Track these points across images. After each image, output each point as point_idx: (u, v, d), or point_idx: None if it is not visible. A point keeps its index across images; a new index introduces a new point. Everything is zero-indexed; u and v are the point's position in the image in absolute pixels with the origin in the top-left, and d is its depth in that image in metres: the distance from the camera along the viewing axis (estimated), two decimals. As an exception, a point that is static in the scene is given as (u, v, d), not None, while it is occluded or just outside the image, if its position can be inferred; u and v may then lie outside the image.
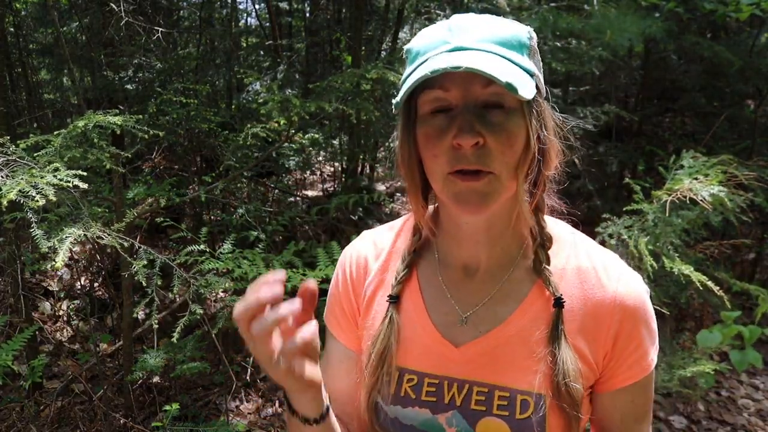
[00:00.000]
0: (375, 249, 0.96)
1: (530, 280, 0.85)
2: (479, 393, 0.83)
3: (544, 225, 0.86)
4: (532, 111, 0.76)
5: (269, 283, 0.65)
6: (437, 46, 0.76)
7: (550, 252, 0.86)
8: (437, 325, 0.87)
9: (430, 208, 0.92)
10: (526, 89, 0.71)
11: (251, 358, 3.03)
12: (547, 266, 0.84)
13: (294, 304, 0.66)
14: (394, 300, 0.89)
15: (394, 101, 0.76)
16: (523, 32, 0.78)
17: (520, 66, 0.75)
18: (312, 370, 0.73)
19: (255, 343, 0.66)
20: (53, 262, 1.36)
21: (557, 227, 0.90)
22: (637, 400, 0.87)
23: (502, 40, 0.76)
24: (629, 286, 0.84)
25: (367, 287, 0.94)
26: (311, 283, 0.70)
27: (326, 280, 2.26)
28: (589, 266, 0.85)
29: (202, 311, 1.73)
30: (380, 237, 0.98)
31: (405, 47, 0.83)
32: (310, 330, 0.68)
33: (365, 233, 1.00)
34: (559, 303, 0.82)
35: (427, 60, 0.75)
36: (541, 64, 0.83)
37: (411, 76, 0.75)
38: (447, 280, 0.89)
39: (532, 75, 0.77)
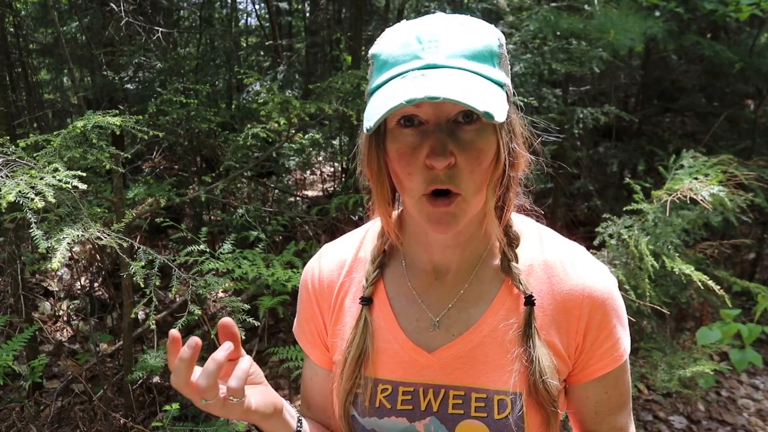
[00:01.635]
0: (337, 261, 0.95)
1: (499, 279, 0.85)
2: (456, 397, 0.82)
3: (511, 224, 0.86)
4: (503, 124, 0.76)
5: (184, 346, 0.69)
6: (407, 60, 0.73)
7: (517, 249, 0.86)
8: (408, 332, 0.86)
9: (395, 213, 0.89)
10: (501, 110, 0.69)
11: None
12: (515, 264, 0.84)
13: (226, 346, 0.71)
14: (367, 302, 0.88)
15: (366, 125, 0.71)
16: (494, 40, 0.76)
17: (492, 80, 0.73)
18: (264, 397, 0.78)
19: (207, 397, 0.69)
20: (51, 263, 1.36)
21: (522, 224, 0.90)
22: (611, 391, 0.88)
23: (474, 54, 0.73)
24: (597, 277, 0.84)
25: (333, 300, 0.93)
26: (226, 320, 0.74)
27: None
28: (556, 260, 0.85)
29: (200, 312, 1.72)
30: (341, 249, 0.97)
31: (370, 51, 0.79)
32: (244, 363, 0.72)
33: (324, 248, 0.99)
34: (530, 301, 0.82)
35: (398, 75, 0.73)
36: (509, 66, 0.82)
37: (381, 90, 0.73)
38: (416, 285, 0.88)
39: (502, 86, 0.75)
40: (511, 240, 0.85)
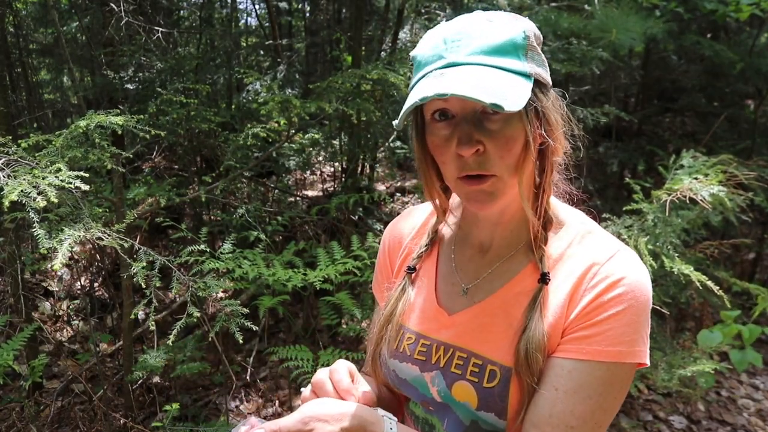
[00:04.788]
0: (411, 224, 1.07)
1: (528, 259, 0.89)
2: (459, 358, 0.89)
3: (548, 208, 0.89)
4: (530, 113, 0.79)
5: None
6: (433, 61, 0.79)
7: (555, 236, 0.88)
8: (441, 293, 0.96)
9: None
10: (516, 100, 0.72)
11: (251, 358, 3.03)
12: (542, 245, 0.87)
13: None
14: (411, 271, 0.99)
15: (394, 123, 0.80)
16: (518, 33, 0.79)
17: (513, 71, 0.77)
18: None
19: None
20: (53, 263, 1.36)
21: (569, 215, 0.91)
22: (566, 396, 0.79)
23: (494, 48, 0.77)
24: (614, 267, 0.81)
25: (399, 256, 1.05)
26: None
27: (326, 280, 2.26)
28: (589, 255, 0.84)
29: (199, 314, 1.72)
30: (417, 214, 1.08)
31: (411, 54, 0.86)
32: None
33: (408, 209, 1.11)
34: (544, 279, 0.84)
35: (424, 76, 0.79)
36: (543, 57, 0.84)
37: (409, 95, 0.79)
38: (459, 256, 0.97)
39: (528, 76, 0.78)
40: (546, 222, 0.89)
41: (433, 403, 0.92)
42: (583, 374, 0.79)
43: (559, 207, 0.92)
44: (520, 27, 0.80)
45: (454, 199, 1.01)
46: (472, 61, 0.76)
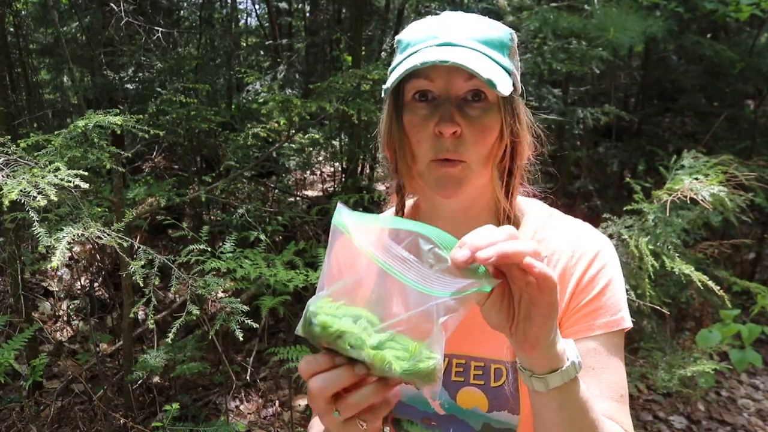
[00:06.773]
0: None
1: None
2: (457, 365, 0.87)
3: (512, 208, 0.92)
4: (507, 106, 0.84)
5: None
6: (427, 40, 0.82)
7: (521, 226, 0.92)
8: None
9: (409, 201, 0.99)
10: (504, 86, 0.78)
11: (251, 358, 3.03)
12: None
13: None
14: None
15: (383, 87, 0.83)
16: (505, 34, 0.85)
17: (500, 64, 0.82)
18: None
19: (342, 413, 0.64)
20: (52, 260, 1.36)
21: (529, 205, 0.96)
22: (600, 370, 0.83)
23: (486, 40, 0.82)
24: (589, 241, 0.87)
25: None
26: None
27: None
28: (558, 236, 0.89)
29: (198, 312, 1.72)
30: None
31: (396, 38, 0.88)
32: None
33: None
34: None
35: (417, 51, 0.81)
36: (520, 63, 0.90)
37: (401, 65, 0.81)
38: None
39: (510, 73, 0.83)
40: (512, 221, 0.91)
41: (436, 417, 0.89)
42: (606, 346, 0.84)
43: (518, 199, 0.96)
44: (506, 29, 0.86)
45: (408, 205, 1.00)
46: (466, 45, 0.80)
